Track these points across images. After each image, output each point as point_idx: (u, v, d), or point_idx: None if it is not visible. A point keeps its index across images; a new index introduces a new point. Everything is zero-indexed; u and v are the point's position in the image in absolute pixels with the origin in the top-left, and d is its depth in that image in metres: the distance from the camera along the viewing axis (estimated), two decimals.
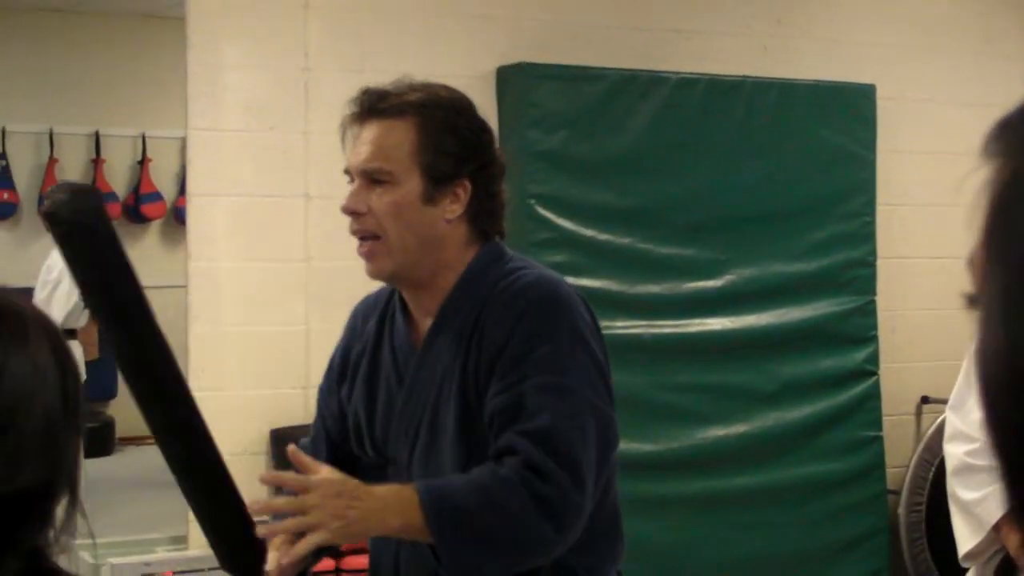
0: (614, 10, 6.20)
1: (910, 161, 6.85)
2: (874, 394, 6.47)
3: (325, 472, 2.25)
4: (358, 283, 5.59)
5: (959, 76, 7.01)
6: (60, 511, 1.41)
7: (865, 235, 6.50)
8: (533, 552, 2.28)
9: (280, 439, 5.54)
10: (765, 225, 6.23)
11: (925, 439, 6.59)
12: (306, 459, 2.29)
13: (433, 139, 2.40)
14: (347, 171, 2.45)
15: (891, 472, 6.56)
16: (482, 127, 2.48)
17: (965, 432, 3.60)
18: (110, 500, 7.53)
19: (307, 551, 2.20)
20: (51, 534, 1.40)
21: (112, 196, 10.57)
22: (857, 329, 6.44)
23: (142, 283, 2.37)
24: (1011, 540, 3.46)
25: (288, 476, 2.26)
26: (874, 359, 6.47)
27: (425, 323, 2.46)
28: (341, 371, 2.60)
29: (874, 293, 6.51)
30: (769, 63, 6.48)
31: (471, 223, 2.44)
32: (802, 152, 6.34)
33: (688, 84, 6.04)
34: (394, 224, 2.38)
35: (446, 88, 2.51)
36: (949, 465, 3.64)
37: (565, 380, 2.30)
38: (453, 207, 2.41)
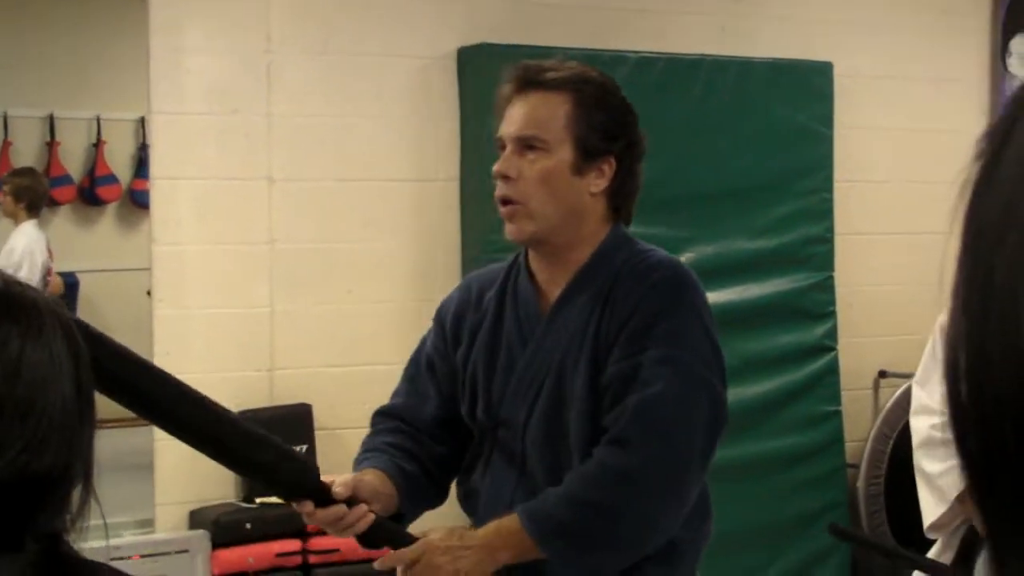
0: None
1: (867, 137, 6.91)
2: (833, 369, 6.54)
3: (427, 539, 2.36)
4: (322, 265, 5.68)
5: (915, 52, 7.07)
6: (75, 497, 1.45)
7: (823, 211, 6.56)
8: (639, 528, 2.40)
9: (246, 421, 5.56)
10: (725, 202, 6.28)
11: (883, 413, 6.66)
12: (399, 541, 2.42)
13: (587, 113, 2.51)
14: (499, 139, 2.54)
15: (850, 446, 6.64)
16: (629, 108, 2.61)
17: (931, 406, 3.65)
18: None
19: None
20: (67, 519, 1.44)
21: (67, 179, 10.53)
22: (816, 305, 6.51)
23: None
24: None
25: (396, 556, 2.36)
26: (832, 334, 6.54)
27: (553, 292, 2.55)
28: (455, 335, 2.64)
29: (832, 269, 6.57)
30: (727, 42, 6.53)
31: (610, 199, 2.57)
32: (761, 130, 6.39)
33: (647, 63, 6.08)
34: (541, 191, 2.49)
35: (597, 70, 2.61)
36: (915, 438, 3.71)
37: (683, 355, 2.44)
38: (598, 181, 2.53)
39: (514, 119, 2.52)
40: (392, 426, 2.65)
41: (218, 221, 5.60)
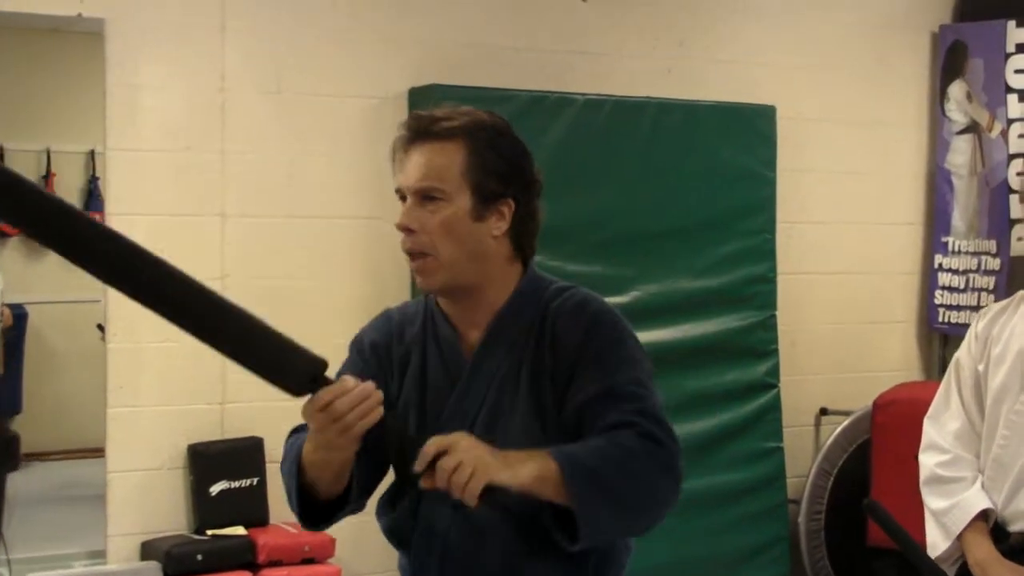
0: (524, 33, 6.33)
1: (809, 179, 7.04)
2: (775, 406, 6.63)
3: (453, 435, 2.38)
4: (272, 300, 5.75)
5: (856, 97, 7.21)
6: None
7: (766, 252, 6.66)
8: (656, 513, 2.49)
9: (197, 454, 5.63)
10: (670, 242, 6.36)
11: (824, 450, 6.75)
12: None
13: (481, 160, 2.56)
14: (399, 191, 2.63)
15: (791, 482, 6.73)
16: (523, 148, 2.65)
17: (939, 444, 3.75)
18: (24, 516, 7.55)
19: (480, 486, 2.29)
20: None
21: None
22: (759, 343, 6.59)
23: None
24: (971, 553, 3.64)
25: (432, 443, 2.33)
26: (775, 372, 6.62)
27: (472, 334, 2.61)
28: (380, 365, 2.66)
29: (775, 308, 6.66)
30: (673, 85, 6.63)
31: (513, 240, 2.63)
32: (705, 171, 6.48)
33: (595, 105, 6.17)
34: (445, 240, 2.55)
35: (489, 112, 2.64)
36: (922, 475, 3.79)
37: (643, 376, 2.56)
38: (499, 224, 2.59)
39: (411, 171, 2.59)
40: None
41: (172, 256, 5.44)
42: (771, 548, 6.62)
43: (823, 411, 7.08)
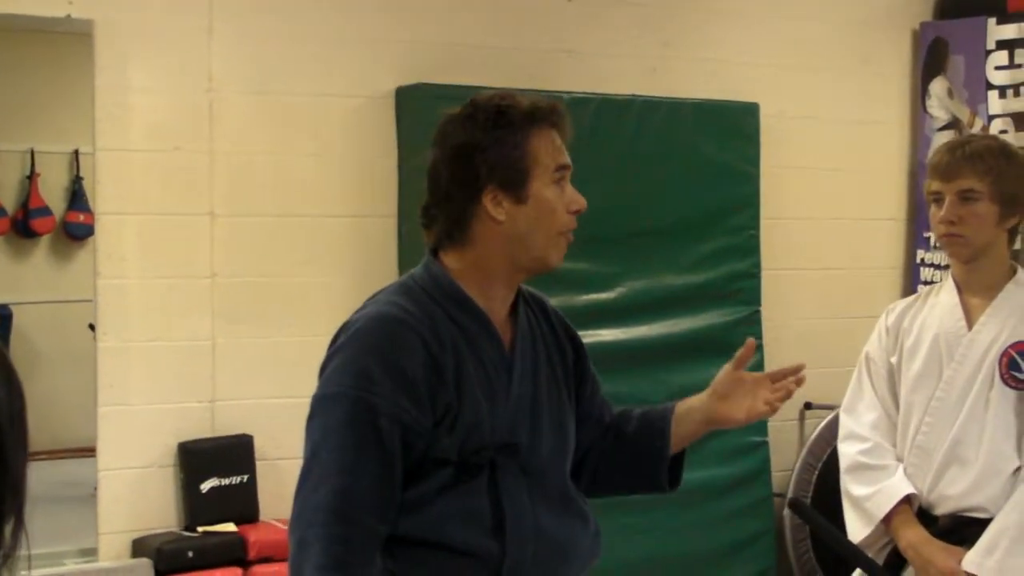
0: (509, 32, 6.38)
1: (792, 176, 7.10)
2: None
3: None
4: (262, 299, 5.82)
5: (838, 94, 7.27)
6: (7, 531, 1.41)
7: (750, 248, 6.73)
8: None
9: (188, 452, 5.67)
10: (655, 239, 6.43)
11: (808, 443, 6.80)
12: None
13: None
14: (565, 167, 2.69)
15: (776, 476, 6.80)
16: None
17: (858, 432, 3.85)
18: None
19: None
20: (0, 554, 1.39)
21: (1, 211, 10.60)
22: (743, 338, 6.52)
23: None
24: (902, 536, 3.73)
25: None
26: (759, 367, 6.49)
27: (496, 313, 2.67)
28: (431, 385, 2.55)
29: (759, 304, 6.75)
30: (657, 83, 6.68)
31: None
32: (690, 168, 6.53)
33: (581, 103, 6.21)
34: None
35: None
36: (843, 463, 3.89)
37: None
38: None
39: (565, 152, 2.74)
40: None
41: (161, 256, 5.68)
42: (756, 542, 6.68)
43: (807, 405, 7.15)
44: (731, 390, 2.86)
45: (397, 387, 2.48)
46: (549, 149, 2.63)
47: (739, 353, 2.88)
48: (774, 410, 2.85)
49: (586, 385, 2.86)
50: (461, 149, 2.58)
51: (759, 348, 6.65)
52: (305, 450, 2.53)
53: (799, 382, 2.85)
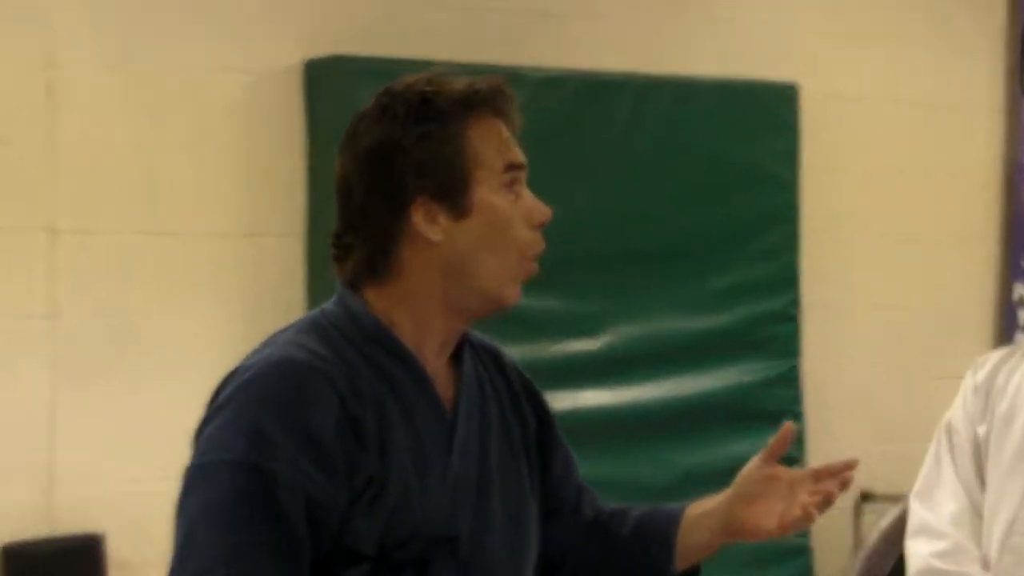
0: None
1: (842, 181, 7.20)
2: None
3: None
4: (120, 344, 5.82)
5: (904, 72, 7.38)
6: None
7: (786, 279, 6.82)
8: None
9: (14, 557, 5.66)
10: (655, 267, 6.49)
11: (867, 548, 6.85)
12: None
13: None
14: (518, 166, 2.69)
15: None
16: None
17: (933, 527, 3.83)
18: None
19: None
20: None
21: None
22: (775, 403, 6.72)
23: None
24: None
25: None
26: (799, 443, 6.66)
27: (439, 373, 2.72)
28: (348, 450, 2.58)
29: (797, 355, 6.84)
30: (661, 56, 6.75)
31: None
32: (704, 171, 6.62)
33: (554, 83, 6.30)
34: None
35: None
36: (911, 566, 3.95)
37: None
38: None
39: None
40: None
41: None
42: None
43: (864, 496, 7.23)
44: (760, 490, 2.84)
45: (301, 450, 2.49)
46: (494, 143, 2.64)
47: (772, 442, 2.85)
48: (812, 519, 2.83)
49: (554, 462, 2.88)
50: (377, 152, 2.59)
51: (798, 416, 6.74)
52: (176, 536, 2.50)
53: (844, 485, 2.83)
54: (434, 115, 2.58)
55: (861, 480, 7.08)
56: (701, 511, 2.87)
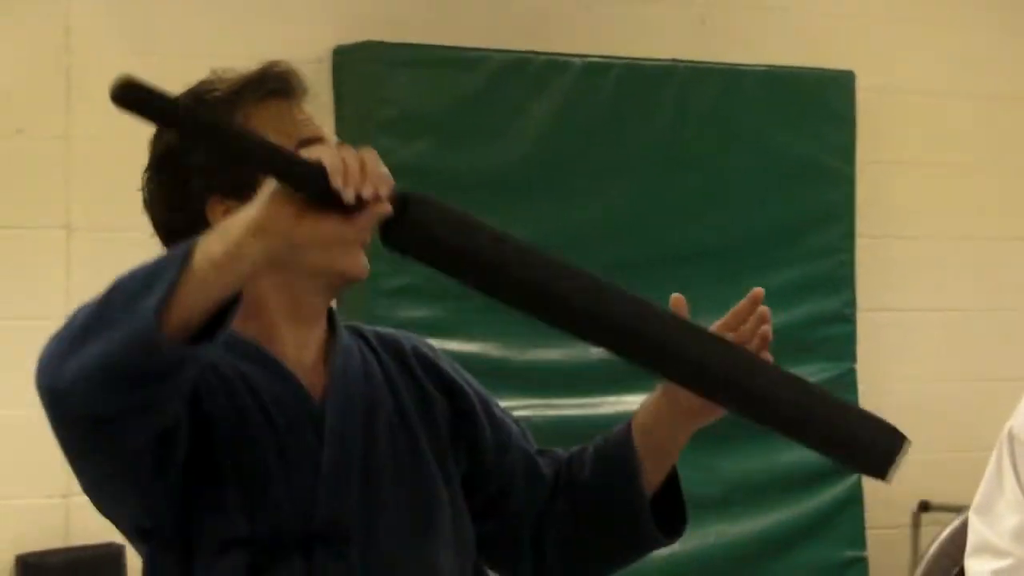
0: None
1: (902, 176, 7.09)
2: (855, 500, 6.67)
3: None
4: None
5: (970, 59, 7.23)
6: None
7: (841, 279, 6.73)
8: None
9: (31, 569, 5.62)
10: (702, 266, 6.37)
11: (926, 560, 6.78)
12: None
13: None
14: (313, 141, 2.59)
15: None
16: None
17: (994, 543, 3.78)
18: None
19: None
20: None
21: None
22: None
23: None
24: None
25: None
26: None
27: (306, 366, 2.67)
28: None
29: (853, 359, 6.73)
30: (708, 42, 6.67)
31: None
32: (753, 164, 6.55)
33: (595, 71, 6.21)
34: None
35: None
36: None
37: None
38: None
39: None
40: None
41: None
42: None
43: (923, 506, 7.13)
44: None
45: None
46: (280, 125, 2.59)
47: (737, 307, 2.71)
48: None
49: (482, 442, 2.82)
50: (161, 163, 2.59)
51: None
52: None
53: (763, 319, 2.64)
54: (208, 112, 2.54)
55: (920, 490, 7.03)
56: (647, 409, 2.81)
